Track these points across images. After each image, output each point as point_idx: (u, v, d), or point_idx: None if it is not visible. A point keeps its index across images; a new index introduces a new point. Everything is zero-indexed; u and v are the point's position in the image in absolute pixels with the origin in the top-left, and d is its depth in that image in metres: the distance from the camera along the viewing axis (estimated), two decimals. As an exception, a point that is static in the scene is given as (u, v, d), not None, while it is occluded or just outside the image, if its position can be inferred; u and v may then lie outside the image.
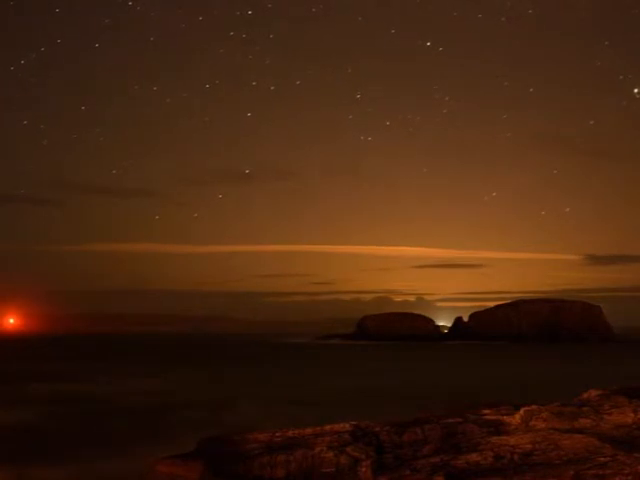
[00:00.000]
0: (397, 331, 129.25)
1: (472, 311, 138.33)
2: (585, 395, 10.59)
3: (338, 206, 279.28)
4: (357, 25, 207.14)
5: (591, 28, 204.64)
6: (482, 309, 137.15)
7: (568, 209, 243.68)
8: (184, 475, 8.17)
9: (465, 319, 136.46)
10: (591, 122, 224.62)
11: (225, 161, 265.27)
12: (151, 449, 15.53)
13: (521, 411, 9.43)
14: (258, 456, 8.23)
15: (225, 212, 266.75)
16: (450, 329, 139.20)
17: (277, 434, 8.90)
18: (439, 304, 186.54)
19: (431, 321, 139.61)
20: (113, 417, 26.26)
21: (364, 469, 7.82)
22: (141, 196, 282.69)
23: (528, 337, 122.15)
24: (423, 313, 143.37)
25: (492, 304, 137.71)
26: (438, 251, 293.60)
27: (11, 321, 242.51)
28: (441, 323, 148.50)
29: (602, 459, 7.35)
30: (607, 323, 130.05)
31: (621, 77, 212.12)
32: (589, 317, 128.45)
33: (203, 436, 9.18)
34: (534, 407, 9.53)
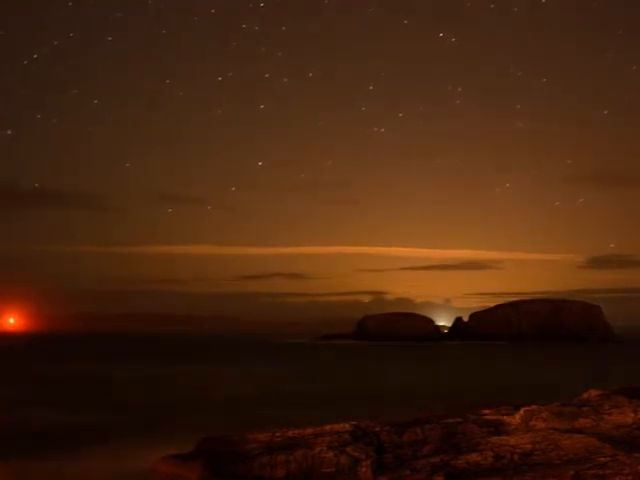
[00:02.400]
0: (397, 331, 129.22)
1: (472, 311, 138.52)
2: (585, 395, 10.58)
3: (342, 204, 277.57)
4: (369, 16, 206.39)
5: (604, 18, 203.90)
6: (482, 309, 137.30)
7: (582, 200, 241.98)
8: (184, 475, 8.17)
9: (465, 319, 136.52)
10: (605, 112, 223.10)
11: (237, 154, 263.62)
12: (151, 449, 15.53)
13: (521, 411, 9.42)
14: (258, 456, 8.23)
15: (234, 211, 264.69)
16: (450, 329, 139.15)
17: (277, 434, 8.89)
18: (439, 304, 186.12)
19: (431, 321, 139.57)
20: (113, 417, 26.25)
21: (364, 469, 7.82)
22: (151, 193, 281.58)
23: (528, 337, 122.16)
24: (423, 313, 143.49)
25: (493, 304, 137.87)
26: (441, 252, 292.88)
27: (11, 321, 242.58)
28: (441, 323, 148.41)
29: (602, 459, 7.35)
30: (607, 323, 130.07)
31: (634, 67, 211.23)
32: (589, 317, 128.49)
33: (203, 436, 9.17)
34: (534, 407, 9.52)
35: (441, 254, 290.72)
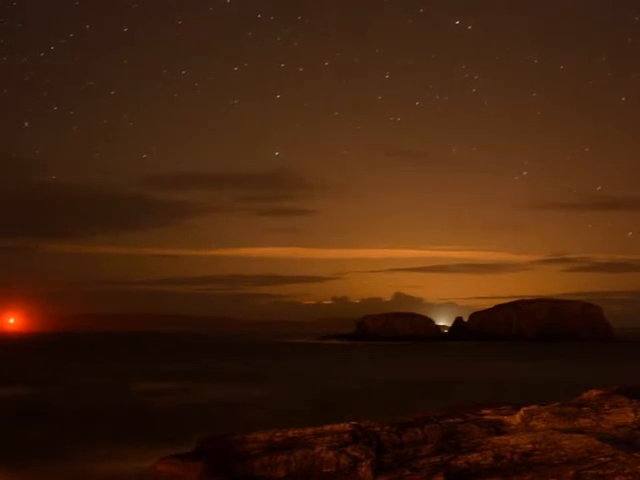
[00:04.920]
0: (397, 331, 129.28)
1: (473, 311, 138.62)
2: (585, 395, 10.57)
3: (347, 204, 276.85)
4: (385, 5, 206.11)
5: (621, 4, 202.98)
6: (482, 309, 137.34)
7: (599, 187, 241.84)
8: (184, 475, 8.17)
9: (465, 319, 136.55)
10: (623, 99, 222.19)
11: (253, 144, 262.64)
12: (151, 449, 15.54)
13: (521, 411, 9.42)
14: (258, 456, 8.23)
15: (240, 209, 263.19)
16: (450, 329, 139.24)
17: (277, 434, 8.89)
18: (439, 304, 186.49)
19: (431, 321, 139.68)
20: (113, 417, 26.24)
21: (364, 469, 7.82)
22: (171, 187, 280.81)
23: (528, 337, 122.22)
24: (423, 313, 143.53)
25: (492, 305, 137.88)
26: (443, 252, 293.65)
27: (11, 321, 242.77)
28: (441, 323, 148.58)
29: (602, 459, 7.35)
30: (607, 323, 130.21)
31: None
32: (589, 317, 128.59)
33: (203, 436, 9.18)
34: (534, 407, 9.52)
35: (443, 255, 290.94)
